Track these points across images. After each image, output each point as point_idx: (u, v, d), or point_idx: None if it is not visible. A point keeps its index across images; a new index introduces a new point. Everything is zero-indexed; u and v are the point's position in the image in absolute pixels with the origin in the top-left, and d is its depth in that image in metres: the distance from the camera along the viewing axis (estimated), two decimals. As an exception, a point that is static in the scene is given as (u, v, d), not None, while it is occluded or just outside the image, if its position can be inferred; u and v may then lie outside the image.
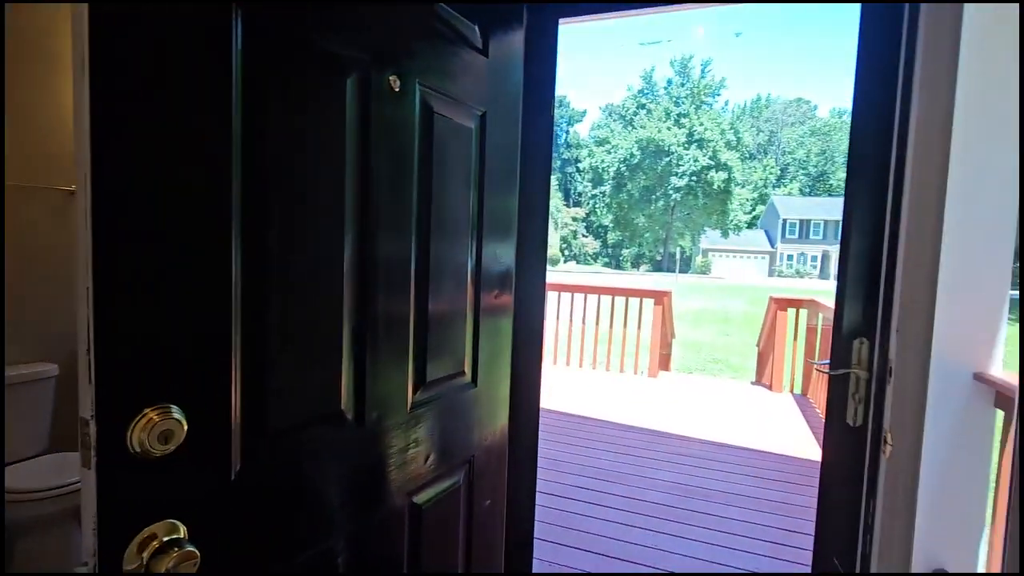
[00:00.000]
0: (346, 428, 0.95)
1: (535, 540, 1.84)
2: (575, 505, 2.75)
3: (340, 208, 0.90)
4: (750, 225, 40.59)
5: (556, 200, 42.68)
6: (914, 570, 1.74)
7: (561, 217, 43.40)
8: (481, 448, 1.32)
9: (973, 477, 1.93)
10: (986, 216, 1.85)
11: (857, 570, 1.29)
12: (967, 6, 1.22)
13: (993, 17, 1.93)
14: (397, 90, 1.00)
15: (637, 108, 40.39)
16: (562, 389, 4.92)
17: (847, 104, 1.42)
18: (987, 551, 1.89)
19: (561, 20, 1.66)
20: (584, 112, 48.12)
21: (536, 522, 1.83)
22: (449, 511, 1.22)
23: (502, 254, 1.36)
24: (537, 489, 1.80)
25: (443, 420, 1.19)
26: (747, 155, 42.19)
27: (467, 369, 1.27)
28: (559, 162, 45.82)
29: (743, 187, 39.54)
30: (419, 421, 1.11)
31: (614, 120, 42.40)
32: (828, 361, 1.41)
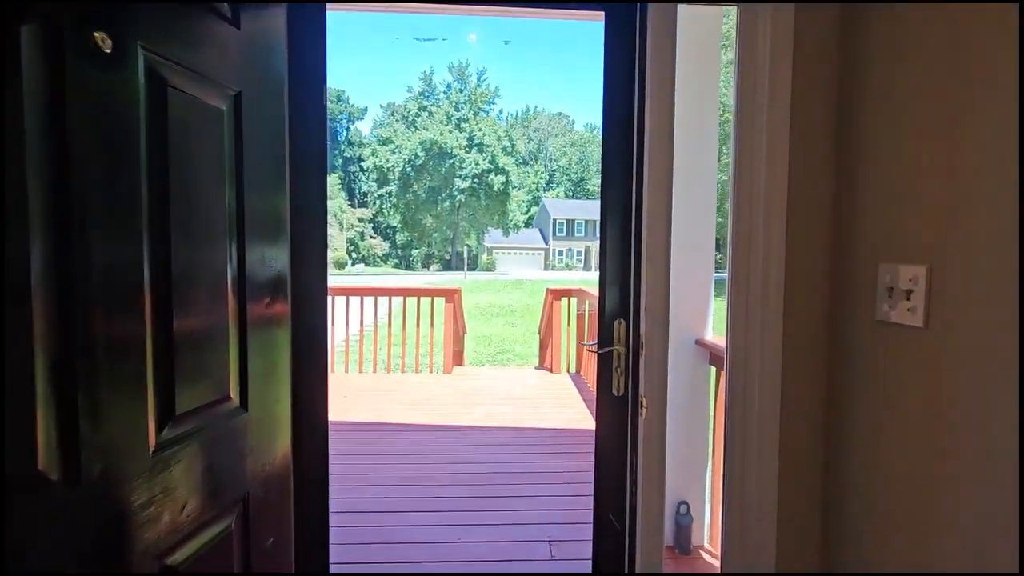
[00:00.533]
0: (51, 494, 0.71)
1: (333, 566, 1.70)
2: (376, 518, 2.63)
3: (21, 202, 0.67)
4: (527, 224, 44.71)
5: (340, 200, 40.55)
6: (668, 508, 2.10)
7: (346, 218, 41.43)
8: (257, 481, 1.14)
9: (699, 422, 2.41)
10: (696, 214, 2.33)
11: (627, 521, 1.49)
12: (680, 7, 1.25)
13: (695, 18, 2.29)
14: (108, 51, 0.78)
15: (419, 110, 40.82)
16: (356, 398, 4.69)
17: (597, 121, 1.56)
18: (711, 479, 2.39)
19: (328, 4, 1.54)
20: (365, 109, 46.71)
21: (333, 546, 1.68)
22: (218, 563, 1.03)
23: (271, 257, 1.20)
24: (332, 510, 1.66)
25: (204, 457, 0.99)
26: (521, 161, 46.25)
27: (234, 392, 1.08)
28: (341, 160, 43.70)
29: (519, 190, 43.28)
30: (169, 464, 0.90)
31: (396, 120, 42.09)
32: (596, 342, 1.59)
